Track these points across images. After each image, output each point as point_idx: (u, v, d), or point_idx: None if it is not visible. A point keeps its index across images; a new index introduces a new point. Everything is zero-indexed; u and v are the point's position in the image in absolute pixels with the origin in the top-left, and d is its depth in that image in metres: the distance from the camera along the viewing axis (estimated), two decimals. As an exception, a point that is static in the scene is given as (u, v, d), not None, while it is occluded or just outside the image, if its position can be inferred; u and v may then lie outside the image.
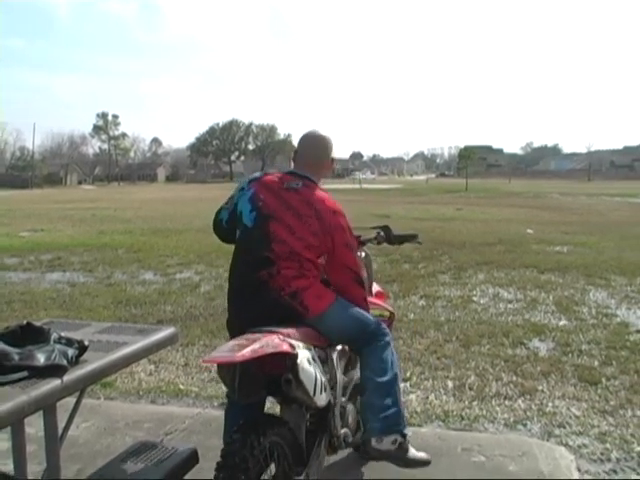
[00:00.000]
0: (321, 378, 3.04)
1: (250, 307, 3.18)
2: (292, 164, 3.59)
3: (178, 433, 4.55)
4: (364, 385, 3.36)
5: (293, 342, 2.87)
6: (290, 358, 2.80)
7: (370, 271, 4.02)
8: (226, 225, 3.52)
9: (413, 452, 3.43)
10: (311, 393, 2.92)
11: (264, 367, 2.77)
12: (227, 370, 2.77)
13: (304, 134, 3.60)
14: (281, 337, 2.83)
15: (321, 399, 3.05)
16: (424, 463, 3.52)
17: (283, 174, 3.47)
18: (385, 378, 3.31)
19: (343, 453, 3.81)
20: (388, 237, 4.04)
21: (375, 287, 4.09)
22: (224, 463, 2.63)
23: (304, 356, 2.90)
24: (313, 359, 3.01)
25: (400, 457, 3.36)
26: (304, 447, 3.11)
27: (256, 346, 2.65)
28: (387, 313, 3.86)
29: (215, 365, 2.96)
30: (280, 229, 3.23)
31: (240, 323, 3.11)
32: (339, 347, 3.47)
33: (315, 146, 3.55)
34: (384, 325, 3.48)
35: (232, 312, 3.37)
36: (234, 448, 2.64)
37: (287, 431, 2.94)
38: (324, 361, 3.26)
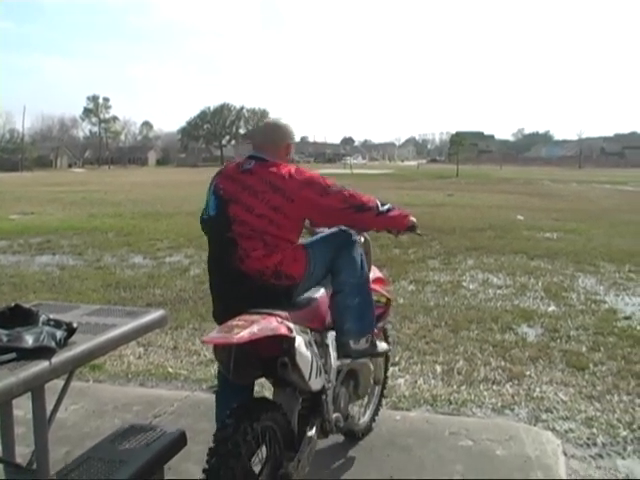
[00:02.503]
0: (317, 362, 3.07)
1: (236, 298, 3.17)
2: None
3: (167, 416, 4.56)
4: (340, 288, 3.42)
5: (290, 325, 2.87)
6: (287, 341, 2.82)
7: (369, 256, 3.95)
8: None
9: (380, 345, 3.65)
10: (306, 377, 2.95)
11: (260, 349, 2.77)
12: (223, 350, 2.78)
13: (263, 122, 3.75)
14: (279, 320, 2.83)
15: (316, 383, 3.08)
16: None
17: (242, 160, 3.50)
18: (358, 279, 3.43)
19: (334, 439, 3.84)
20: None
21: (375, 272, 4.02)
22: (216, 449, 2.60)
23: (301, 340, 2.91)
24: (309, 343, 3.04)
25: (372, 352, 3.56)
26: (296, 432, 3.10)
27: (254, 328, 2.64)
28: (384, 299, 3.87)
29: (209, 345, 2.95)
30: (238, 210, 3.24)
31: (232, 315, 2.90)
32: (335, 332, 3.48)
33: (268, 131, 3.58)
34: (344, 228, 3.52)
35: (219, 304, 3.39)
36: (226, 434, 2.62)
37: (280, 415, 2.94)
38: (320, 345, 3.28)
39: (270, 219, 3.21)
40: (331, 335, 3.46)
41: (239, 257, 3.18)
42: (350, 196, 3.38)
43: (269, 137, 3.52)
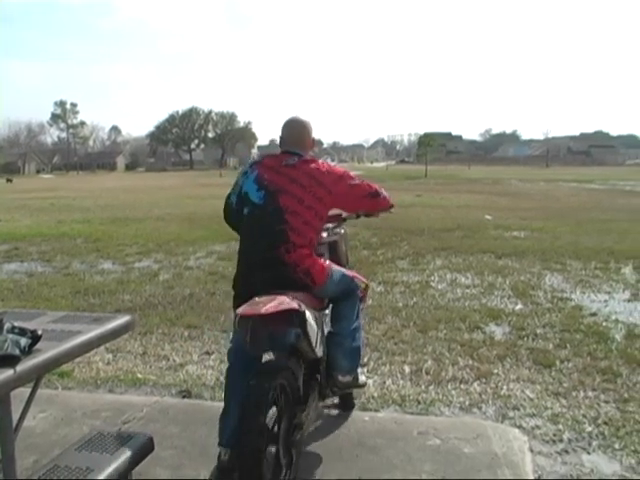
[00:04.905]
0: (319, 333, 3.64)
1: (266, 276, 3.58)
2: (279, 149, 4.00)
3: (136, 421, 4.54)
4: (338, 331, 3.95)
5: (300, 303, 3.36)
6: (298, 315, 3.30)
7: (347, 246, 4.62)
8: (236, 207, 3.90)
9: (360, 379, 4.22)
10: (314, 345, 3.51)
11: (268, 325, 3.21)
12: (245, 323, 3.22)
13: (286, 120, 4.02)
14: (290, 298, 3.32)
15: (319, 351, 3.68)
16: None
17: (280, 154, 3.89)
18: (355, 324, 3.96)
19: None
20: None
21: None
22: (246, 402, 3.14)
23: (309, 314, 3.41)
24: (314, 318, 3.54)
25: (354, 385, 4.19)
26: (302, 391, 3.60)
27: (275, 303, 3.19)
28: (363, 285, 4.17)
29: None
30: (290, 201, 3.65)
31: (255, 287, 3.49)
32: (327, 311, 4.04)
33: (297, 128, 3.99)
34: (355, 279, 4.03)
35: (245, 277, 3.73)
36: (252, 391, 3.16)
37: (291, 375, 3.48)
38: (318, 321, 3.74)
39: (316, 211, 3.72)
40: (326, 313, 4.02)
41: (286, 249, 3.60)
42: (368, 185, 4.02)
43: (298, 135, 3.97)
